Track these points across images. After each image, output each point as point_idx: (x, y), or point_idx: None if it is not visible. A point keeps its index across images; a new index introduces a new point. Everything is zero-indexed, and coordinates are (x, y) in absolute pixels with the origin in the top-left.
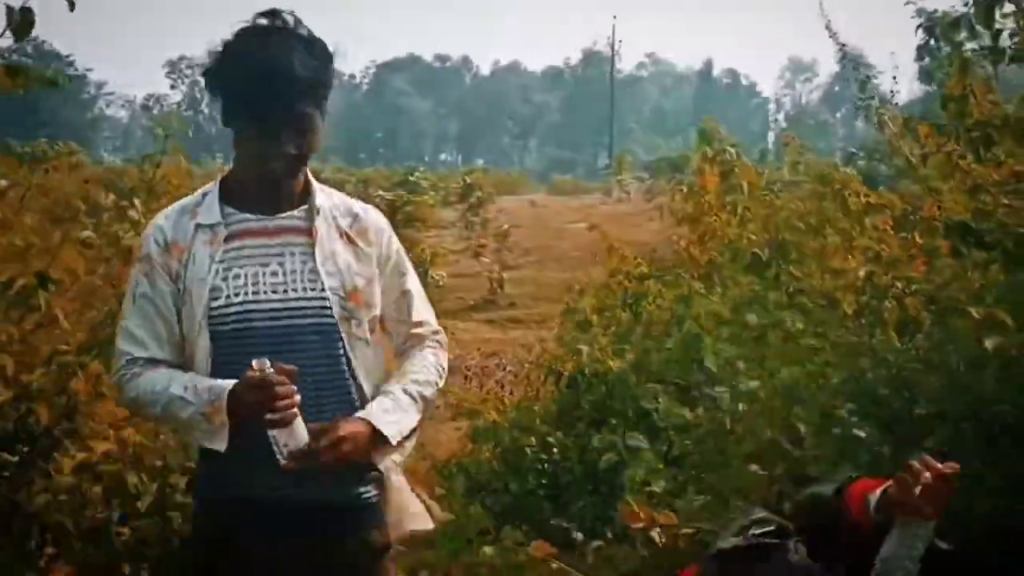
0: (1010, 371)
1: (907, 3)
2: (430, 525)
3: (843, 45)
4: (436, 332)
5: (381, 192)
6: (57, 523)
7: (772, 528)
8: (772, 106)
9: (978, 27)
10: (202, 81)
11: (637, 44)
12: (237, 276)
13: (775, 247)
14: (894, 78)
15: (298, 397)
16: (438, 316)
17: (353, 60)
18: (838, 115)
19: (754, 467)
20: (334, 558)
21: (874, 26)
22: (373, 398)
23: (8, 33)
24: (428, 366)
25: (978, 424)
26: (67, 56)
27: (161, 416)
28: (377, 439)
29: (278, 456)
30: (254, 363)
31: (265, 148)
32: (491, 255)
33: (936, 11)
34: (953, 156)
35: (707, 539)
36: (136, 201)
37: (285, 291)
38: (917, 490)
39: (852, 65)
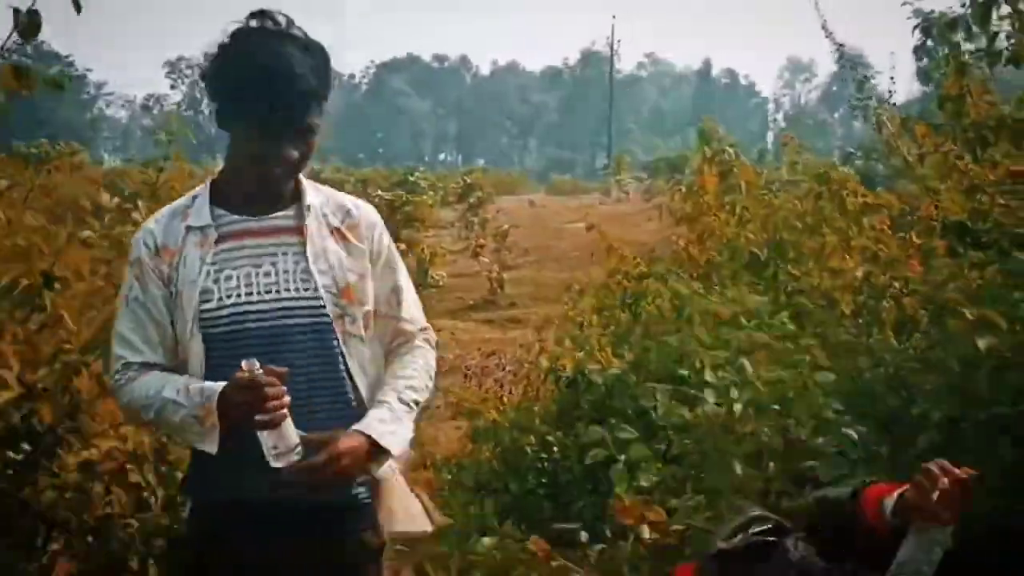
0: (1004, 372)
1: (904, 3)
2: (428, 527)
3: (840, 45)
4: (424, 329)
5: (380, 192)
6: (63, 519)
7: (770, 527)
8: (771, 106)
9: (975, 29)
10: (202, 81)
11: (636, 44)
12: (229, 278)
13: (773, 247)
14: (891, 78)
15: (287, 399)
16: (438, 316)
17: (352, 61)
18: (836, 115)
19: (747, 469)
20: (326, 559)
21: (874, 26)
22: (368, 398)
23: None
24: (420, 370)
25: (977, 424)
26: (67, 56)
27: (155, 420)
28: (376, 451)
29: (267, 458)
30: (243, 364)
31: (267, 151)
32: (490, 255)
33: (933, 12)
34: (950, 156)
35: (700, 536)
36: (140, 203)
37: (278, 291)
38: (935, 495)
39: (850, 65)
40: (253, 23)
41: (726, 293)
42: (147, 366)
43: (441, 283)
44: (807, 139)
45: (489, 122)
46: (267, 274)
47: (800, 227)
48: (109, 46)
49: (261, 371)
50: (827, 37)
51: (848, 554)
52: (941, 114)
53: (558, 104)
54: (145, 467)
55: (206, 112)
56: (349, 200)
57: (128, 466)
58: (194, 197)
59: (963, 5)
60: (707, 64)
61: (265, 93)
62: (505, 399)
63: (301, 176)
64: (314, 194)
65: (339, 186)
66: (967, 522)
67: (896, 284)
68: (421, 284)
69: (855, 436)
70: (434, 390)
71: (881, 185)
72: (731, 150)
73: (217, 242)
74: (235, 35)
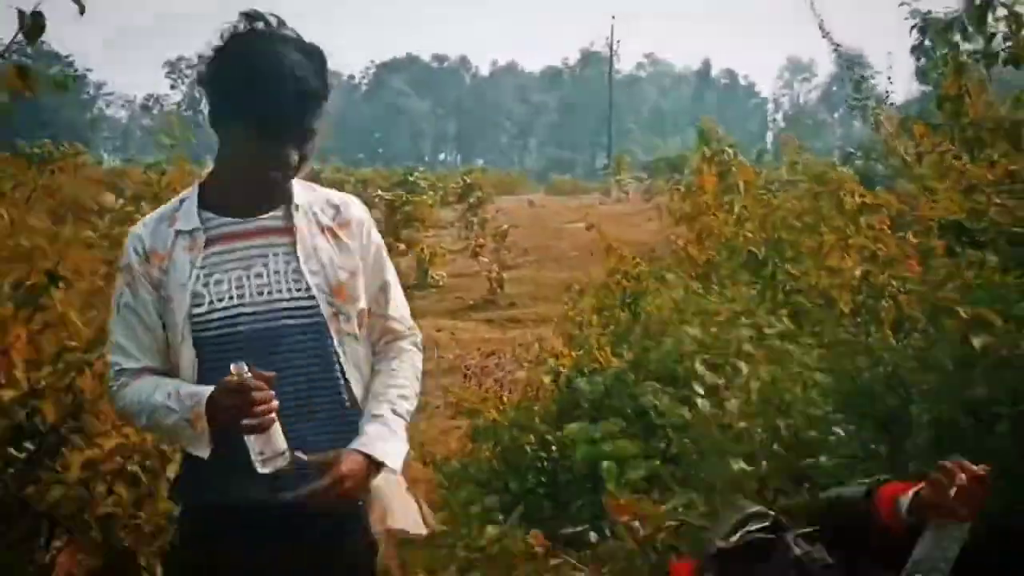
0: (1000, 371)
1: (902, 3)
2: (424, 530)
3: (837, 45)
4: (411, 329)
5: (380, 192)
6: (69, 516)
7: (767, 524)
8: (770, 106)
9: (971, 30)
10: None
11: (635, 44)
12: (219, 281)
13: (772, 246)
14: (889, 79)
15: (275, 403)
16: (438, 316)
17: (352, 61)
18: (836, 115)
19: (743, 466)
20: (319, 561)
21: (874, 25)
22: (361, 397)
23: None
24: (410, 377)
25: (976, 423)
26: (66, 56)
27: (148, 425)
28: (374, 467)
29: (255, 463)
30: (232, 367)
31: (268, 154)
32: (490, 255)
33: (930, 12)
34: (948, 156)
35: (695, 533)
36: (143, 204)
37: (270, 293)
38: (952, 491)
39: (847, 65)
40: (248, 25)
41: (725, 293)
42: (141, 371)
43: (441, 283)
44: (807, 139)
45: (489, 122)
46: (258, 276)
47: (799, 226)
48: (109, 46)
49: (249, 375)
50: (824, 37)
51: (861, 553)
52: (939, 114)
53: (558, 104)
54: (148, 465)
55: (206, 112)
56: (338, 197)
57: (129, 466)
58: (181, 201)
59: (959, 10)
60: (706, 64)
61: (268, 96)
62: (505, 398)
63: None
64: (303, 193)
65: (339, 186)
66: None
67: (894, 283)
68: (421, 284)
69: (843, 434)
70: (421, 391)
71: (881, 185)
72: (730, 150)
73: (206, 245)
74: (233, 38)
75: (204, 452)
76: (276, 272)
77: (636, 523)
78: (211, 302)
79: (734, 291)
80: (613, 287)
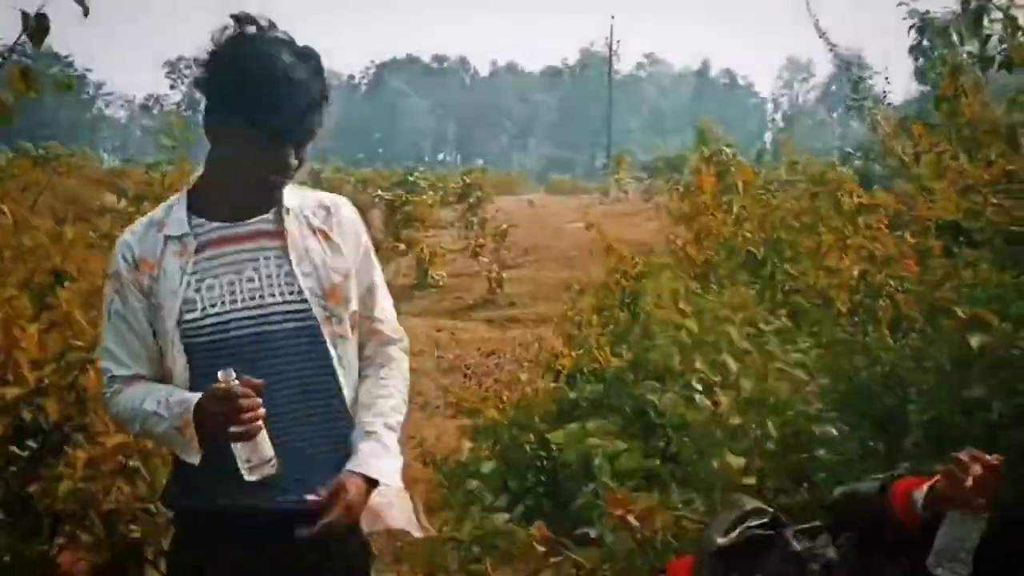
0: (997, 370)
1: (900, 3)
2: (419, 532)
3: (834, 46)
4: (398, 332)
5: (380, 192)
6: (72, 512)
7: (766, 520)
8: (769, 106)
9: (966, 35)
10: (196, 88)
11: (635, 44)
12: (211, 287)
13: (770, 246)
14: (886, 79)
15: (262, 411)
16: (438, 315)
17: (352, 61)
18: (835, 115)
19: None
20: (313, 564)
21: (874, 25)
22: (351, 399)
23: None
24: (400, 387)
25: (973, 422)
26: (66, 57)
27: (140, 432)
28: (372, 485)
29: (242, 470)
30: (219, 374)
31: (268, 158)
32: (490, 254)
33: (928, 12)
34: (945, 156)
35: (693, 528)
36: (146, 204)
37: (262, 297)
38: (968, 482)
39: (844, 65)
40: (239, 28)
41: (723, 292)
42: (133, 378)
43: (441, 283)
44: (806, 139)
45: (488, 122)
46: (250, 280)
47: (797, 226)
48: (109, 46)
49: (236, 382)
50: (821, 37)
51: (875, 549)
52: (937, 114)
53: (557, 104)
54: (151, 462)
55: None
56: (328, 199)
57: (132, 462)
58: (170, 206)
59: (956, 13)
60: (706, 64)
61: (270, 100)
62: (505, 398)
63: None
64: (293, 196)
65: (339, 186)
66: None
67: (892, 283)
68: (420, 284)
69: (835, 432)
70: (421, 390)
71: (879, 185)
72: (728, 150)
73: (197, 251)
74: (229, 41)
75: (195, 459)
76: (268, 276)
77: (632, 518)
78: (203, 308)
79: (732, 290)
80: (612, 287)
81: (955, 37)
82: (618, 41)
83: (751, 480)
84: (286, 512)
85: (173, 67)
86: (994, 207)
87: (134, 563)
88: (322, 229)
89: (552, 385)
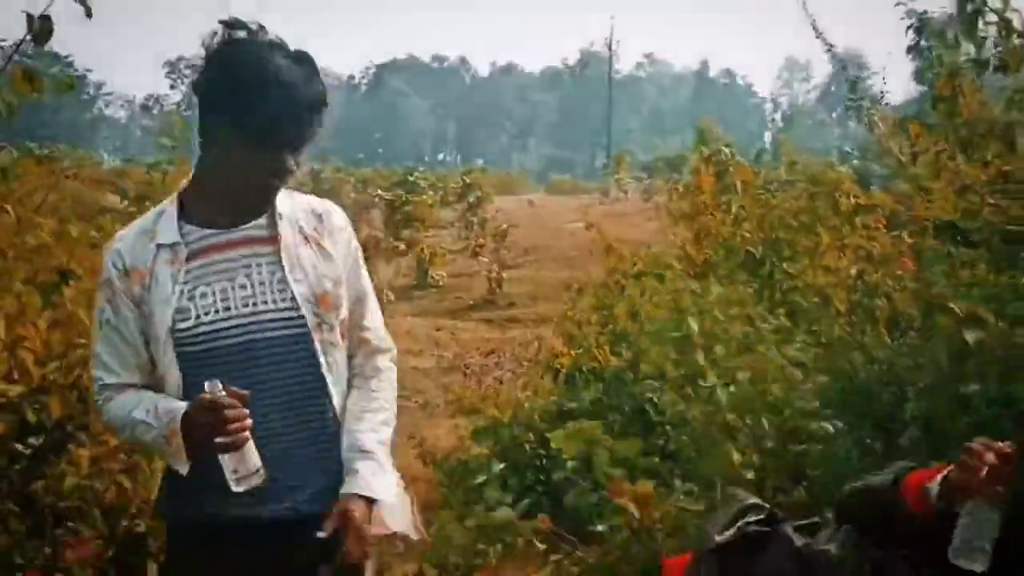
0: (993, 365)
1: (897, 4)
2: (417, 536)
3: (831, 46)
4: (386, 341)
5: (380, 192)
6: (75, 509)
7: (763, 516)
8: (769, 106)
9: (962, 38)
10: (194, 93)
11: (635, 44)
12: (204, 295)
13: (769, 245)
14: (883, 79)
15: (249, 421)
16: (438, 315)
17: (352, 61)
18: (834, 115)
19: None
20: (308, 567)
21: (875, 25)
22: (340, 407)
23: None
24: (390, 399)
25: (970, 419)
26: (66, 57)
27: (131, 440)
28: (372, 503)
29: (229, 481)
30: (206, 385)
31: (267, 164)
32: (490, 254)
33: (925, 12)
34: (942, 156)
35: (690, 520)
36: (148, 204)
37: (255, 304)
38: (983, 472)
39: (842, 65)
40: (228, 34)
41: (722, 291)
42: (124, 386)
43: (441, 283)
44: (806, 139)
45: (488, 122)
46: (243, 287)
47: (795, 226)
48: (109, 46)
49: (223, 392)
50: (818, 38)
51: (888, 542)
52: (935, 114)
53: (557, 104)
54: (155, 458)
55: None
56: (320, 205)
57: (135, 457)
58: (160, 213)
59: (951, 15)
60: (705, 64)
61: (265, 106)
62: (504, 396)
63: None
64: (284, 201)
65: (339, 186)
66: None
67: (889, 282)
68: (420, 284)
69: (832, 429)
70: (422, 389)
71: (878, 184)
72: (728, 150)
73: (188, 259)
74: (225, 46)
75: (183, 468)
76: (261, 283)
77: (632, 506)
78: (197, 316)
79: (730, 289)
80: (612, 286)
81: (951, 38)
82: (618, 41)
83: (751, 475)
84: (277, 520)
85: (173, 67)
86: (991, 207)
87: (137, 558)
88: (314, 236)
89: (552, 384)
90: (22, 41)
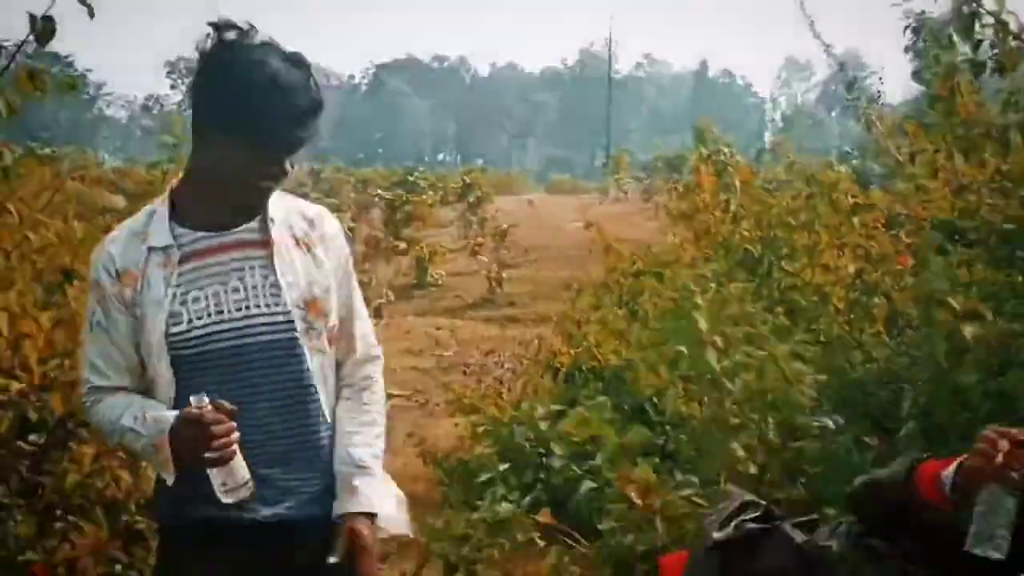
0: (991, 360)
1: (895, 3)
2: (411, 534)
3: (829, 46)
4: (375, 349)
5: (380, 192)
6: (80, 505)
7: (760, 513)
8: (768, 105)
9: (958, 39)
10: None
11: (634, 44)
12: (197, 299)
13: (767, 244)
14: (880, 78)
15: (236, 435)
16: (438, 314)
17: (352, 61)
18: (833, 114)
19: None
20: (300, 568)
21: (875, 25)
22: (328, 413)
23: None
24: (381, 411)
25: (966, 413)
26: (66, 57)
27: (119, 445)
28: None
29: (217, 493)
30: (192, 399)
31: (263, 167)
32: (489, 254)
33: (923, 12)
34: (939, 156)
35: (686, 509)
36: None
37: (248, 308)
38: (999, 458)
39: (839, 65)
40: (223, 35)
41: (721, 290)
42: (113, 389)
43: (440, 282)
44: (805, 138)
45: (488, 122)
46: (235, 290)
47: (794, 224)
48: (109, 46)
49: (210, 407)
50: (816, 38)
51: (900, 535)
52: (932, 113)
53: (557, 104)
54: None
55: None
56: (311, 210)
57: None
58: (151, 214)
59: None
60: (704, 64)
61: (261, 109)
62: (504, 395)
63: None
64: (276, 204)
65: (339, 186)
66: None
67: (887, 280)
68: (420, 283)
69: (832, 424)
70: (422, 388)
71: (877, 184)
72: (726, 150)
73: (180, 261)
74: (222, 48)
75: (170, 477)
76: (254, 287)
77: (634, 494)
78: (189, 320)
79: (731, 288)
80: (612, 285)
81: (948, 39)
82: (617, 42)
83: (753, 469)
84: (273, 522)
85: (173, 67)
86: (988, 206)
87: (139, 553)
88: (305, 241)
89: (552, 383)
90: (24, 41)
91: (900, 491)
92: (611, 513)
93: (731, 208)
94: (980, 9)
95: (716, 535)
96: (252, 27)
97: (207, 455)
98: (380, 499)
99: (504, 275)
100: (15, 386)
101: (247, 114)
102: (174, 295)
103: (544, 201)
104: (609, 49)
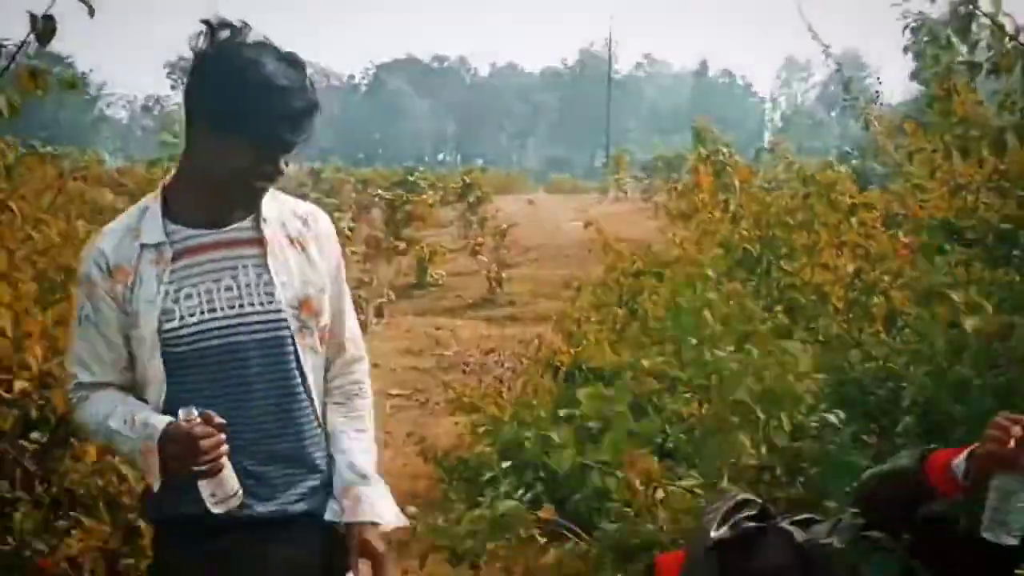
0: (989, 354)
1: (894, 4)
2: (406, 522)
3: (827, 46)
4: (361, 349)
5: (380, 192)
6: (82, 502)
7: (756, 512)
8: (768, 105)
9: (955, 40)
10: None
11: (634, 44)
12: (189, 296)
13: (766, 243)
14: (878, 78)
15: (225, 448)
16: (438, 314)
17: (352, 61)
18: (833, 114)
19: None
20: (295, 567)
21: (876, 25)
22: (320, 413)
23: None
24: (371, 416)
25: (964, 408)
26: (67, 57)
27: (106, 445)
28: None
29: (207, 504)
30: (180, 412)
31: (260, 166)
32: (489, 253)
33: (921, 13)
34: (937, 156)
35: (688, 501)
36: None
37: (241, 306)
38: (1012, 443)
39: (837, 66)
40: (216, 34)
41: (721, 289)
42: (99, 385)
43: (440, 281)
44: (805, 138)
45: (488, 122)
46: (228, 288)
47: (793, 224)
48: (110, 46)
49: (199, 420)
50: (814, 39)
51: (900, 529)
52: (930, 113)
53: (557, 104)
54: None
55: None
56: (304, 209)
57: None
58: (144, 209)
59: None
60: (704, 64)
61: (265, 111)
62: (504, 394)
63: None
64: (270, 203)
65: (339, 186)
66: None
67: (886, 279)
68: (420, 282)
69: (835, 420)
70: (422, 387)
71: (877, 184)
72: (726, 150)
73: (173, 259)
74: (218, 48)
75: (155, 484)
76: (247, 285)
77: (638, 481)
78: (182, 317)
79: (731, 286)
80: (612, 285)
81: (945, 40)
82: (617, 42)
83: (753, 465)
84: (266, 519)
85: (174, 67)
86: (986, 205)
87: (142, 548)
88: (299, 239)
89: (551, 382)
90: (25, 40)
91: (910, 481)
92: (614, 502)
93: (730, 208)
94: (977, 11)
95: (714, 534)
96: (246, 25)
97: (196, 469)
98: (385, 507)
99: (504, 275)
100: (18, 385)
101: (241, 113)
102: (166, 292)
103: (544, 201)
104: (609, 49)
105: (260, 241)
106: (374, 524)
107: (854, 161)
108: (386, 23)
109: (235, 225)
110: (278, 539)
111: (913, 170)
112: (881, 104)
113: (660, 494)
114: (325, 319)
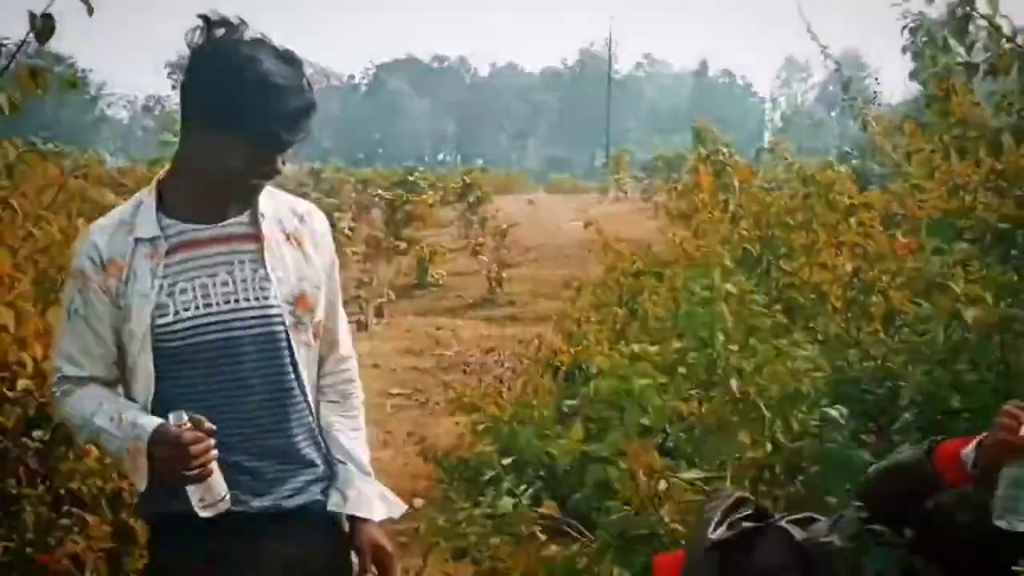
0: (988, 348)
1: (894, 4)
2: (401, 510)
3: (825, 47)
4: (349, 346)
5: (380, 192)
6: (83, 501)
7: (753, 511)
8: (768, 105)
9: (952, 41)
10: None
11: (634, 44)
12: (184, 291)
13: (765, 243)
14: (877, 79)
15: (214, 452)
16: (438, 314)
17: (352, 61)
18: (833, 114)
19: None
20: (293, 566)
21: (874, 24)
22: (314, 409)
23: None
24: (363, 415)
25: (964, 407)
26: (67, 58)
27: (88, 443)
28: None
29: (195, 508)
30: (170, 416)
31: (258, 164)
32: (489, 253)
33: (920, 13)
34: (935, 155)
35: (691, 498)
36: None
37: (236, 301)
38: (1021, 430)
39: (836, 67)
40: (212, 30)
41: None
42: (85, 380)
43: (441, 281)
44: (805, 138)
45: (488, 122)
46: (223, 283)
47: (792, 223)
48: (110, 46)
49: (189, 425)
50: (813, 39)
51: (903, 524)
52: (928, 113)
53: (557, 104)
54: None
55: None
56: (301, 206)
57: None
58: (139, 204)
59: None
60: (704, 64)
61: (263, 108)
62: (504, 394)
63: None
64: (266, 199)
65: (339, 186)
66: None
67: (884, 278)
68: (420, 282)
69: (837, 416)
70: (422, 387)
71: (877, 184)
72: (725, 150)
73: (168, 253)
74: (215, 44)
75: (141, 485)
76: (243, 280)
77: (641, 473)
78: (176, 312)
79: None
80: (612, 285)
81: (942, 40)
82: (617, 42)
83: (754, 466)
84: (261, 514)
85: (174, 67)
86: (984, 205)
87: (144, 546)
88: (296, 236)
89: (551, 382)
90: (25, 39)
91: (919, 472)
92: (614, 499)
93: (730, 208)
94: (974, 12)
95: (712, 535)
96: (243, 22)
97: (185, 475)
98: (389, 506)
99: (504, 275)
100: (21, 383)
101: (237, 111)
102: (161, 287)
103: (544, 201)
104: (609, 49)
105: (256, 237)
106: (378, 522)
107: (854, 161)
108: (386, 23)
109: (231, 220)
110: (272, 534)
111: (912, 170)
112: (880, 104)
113: (663, 485)
114: (319, 315)
